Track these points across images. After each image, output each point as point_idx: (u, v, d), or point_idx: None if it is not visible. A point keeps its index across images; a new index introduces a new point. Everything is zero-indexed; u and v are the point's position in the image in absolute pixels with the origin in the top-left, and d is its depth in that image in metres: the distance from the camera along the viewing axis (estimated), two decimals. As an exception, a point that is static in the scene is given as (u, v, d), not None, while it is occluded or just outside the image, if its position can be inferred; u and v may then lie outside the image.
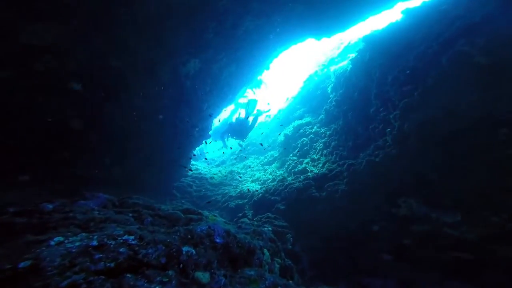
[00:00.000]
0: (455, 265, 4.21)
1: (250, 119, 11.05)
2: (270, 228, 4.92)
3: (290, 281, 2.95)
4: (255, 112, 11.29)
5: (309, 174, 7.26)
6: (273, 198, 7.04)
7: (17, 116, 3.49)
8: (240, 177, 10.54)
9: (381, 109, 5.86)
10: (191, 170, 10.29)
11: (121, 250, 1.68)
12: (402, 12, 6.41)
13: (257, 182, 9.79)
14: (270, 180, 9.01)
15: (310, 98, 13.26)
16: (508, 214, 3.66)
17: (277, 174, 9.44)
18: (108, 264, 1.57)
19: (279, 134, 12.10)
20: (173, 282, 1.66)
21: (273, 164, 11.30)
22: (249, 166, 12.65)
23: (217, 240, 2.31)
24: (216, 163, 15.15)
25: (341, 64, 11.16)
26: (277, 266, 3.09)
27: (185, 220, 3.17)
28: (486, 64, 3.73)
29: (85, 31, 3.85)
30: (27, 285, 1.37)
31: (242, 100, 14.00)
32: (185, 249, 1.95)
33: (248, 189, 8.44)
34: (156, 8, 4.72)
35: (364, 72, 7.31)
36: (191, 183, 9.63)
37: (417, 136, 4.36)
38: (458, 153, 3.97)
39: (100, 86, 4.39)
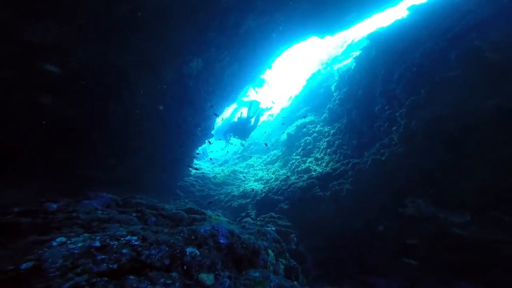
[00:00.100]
0: (463, 265, 4.13)
1: (252, 120, 11.02)
2: (273, 228, 4.87)
3: (295, 282, 2.90)
4: (256, 113, 11.24)
5: (312, 173, 7.19)
6: (276, 197, 6.99)
7: (18, 115, 3.49)
8: (245, 177, 10.49)
9: (387, 107, 5.77)
10: (197, 169, 10.29)
11: (124, 251, 1.65)
12: (408, 9, 6.31)
13: (260, 182, 9.74)
14: (273, 180, 8.96)
15: (313, 97, 13.16)
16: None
17: (280, 173, 9.39)
18: (111, 266, 1.53)
19: (282, 133, 12.03)
20: (177, 284, 1.62)
21: (276, 163, 11.24)
22: (252, 166, 12.61)
23: (221, 241, 2.27)
24: (219, 162, 15.14)
25: (344, 63, 11.05)
26: (282, 267, 3.04)
27: (188, 220, 3.14)
28: (498, 60, 3.62)
29: (87, 30, 3.83)
30: (29, 287, 1.35)
31: (245, 99, 13.95)
32: (189, 250, 1.91)
33: (253, 189, 8.39)
34: (159, 6, 4.69)
35: (368, 70, 7.20)
36: (194, 182, 9.62)
37: (425, 134, 4.27)
38: (467, 151, 3.87)
39: (103, 85, 4.37)
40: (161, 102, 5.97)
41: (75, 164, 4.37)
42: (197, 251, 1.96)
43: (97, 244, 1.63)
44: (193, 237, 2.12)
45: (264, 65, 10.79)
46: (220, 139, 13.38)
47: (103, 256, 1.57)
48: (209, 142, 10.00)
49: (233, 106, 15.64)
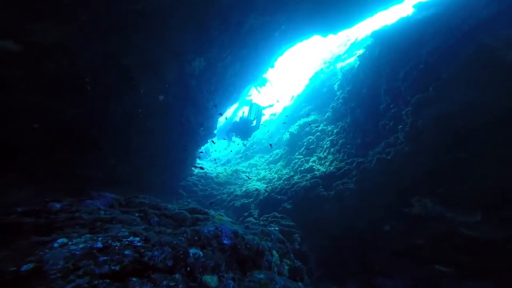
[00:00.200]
0: (470, 265, 4.04)
1: (254, 121, 10.98)
2: (277, 228, 4.83)
3: (300, 283, 2.85)
4: (257, 113, 11.19)
5: (316, 172, 7.12)
6: (279, 197, 6.93)
7: (19, 115, 3.49)
8: (249, 177, 10.46)
9: (392, 105, 5.68)
10: (202, 169, 10.28)
11: (126, 252, 1.62)
12: (414, 6, 6.21)
13: (262, 181, 9.70)
14: (276, 179, 8.91)
15: (316, 96, 13.06)
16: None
17: (283, 173, 9.33)
18: (113, 267, 1.50)
19: (287, 131, 11.97)
20: (180, 286, 1.59)
21: (279, 163, 11.18)
22: (255, 165, 12.57)
23: (225, 242, 2.23)
24: (222, 162, 15.13)
25: (348, 61, 10.94)
26: (286, 267, 3.00)
27: (191, 220, 3.10)
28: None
29: (88, 30, 3.81)
30: (30, 289, 1.32)
31: (247, 98, 13.90)
32: (192, 251, 1.88)
33: (257, 189, 8.35)
34: (160, 5, 4.66)
35: (372, 68, 7.10)
36: (196, 182, 9.61)
37: (431, 132, 4.18)
38: (476, 150, 3.78)
39: (104, 85, 4.36)
40: (164, 100, 5.95)
41: (77, 164, 4.36)
42: (200, 252, 1.92)
43: (99, 245, 1.60)
44: (196, 238, 2.08)
45: (267, 64, 10.73)
46: (224, 139, 13.37)
47: (105, 258, 1.53)
48: (213, 141, 9.98)
49: (235, 106, 15.59)
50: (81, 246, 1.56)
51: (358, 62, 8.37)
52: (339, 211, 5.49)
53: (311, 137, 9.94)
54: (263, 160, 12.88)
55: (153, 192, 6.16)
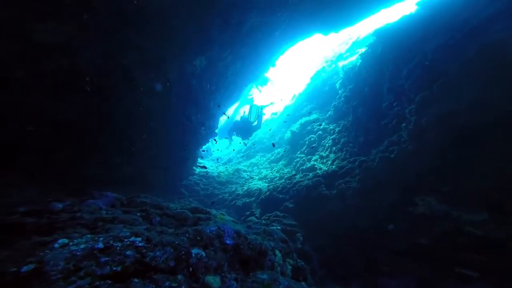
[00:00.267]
0: (476, 264, 3.99)
1: (255, 122, 10.94)
2: (279, 227, 4.80)
3: (303, 283, 2.83)
4: (258, 113, 11.15)
5: (318, 171, 7.08)
6: (281, 196, 6.90)
7: (20, 115, 3.48)
8: (252, 177, 10.44)
9: (395, 103, 5.62)
10: (205, 168, 10.28)
11: (127, 253, 1.59)
12: (417, 4, 6.13)
13: (264, 180, 9.67)
14: (277, 178, 8.88)
15: (317, 95, 13.00)
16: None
17: (285, 172, 9.30)
18: (115, 268, 1.48)
19: (288, 130, 11.93)
20: (183, 287, 1.56)
21: (280, 162, 11.15)
22: (256, 164, 12.54)
23: (227, 242, 2.21)
24: (223, 161, 15.12)
25: (350, 60, 10.87)
26: (289, 267, 2.97)
27: (193, 219, 3.08)
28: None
29: (88, 30, 3.79)
30: (31, 290, 1.30)
31: (249, 97, 13.85)
32: (194, 251, 1.85)
33: (259, 188, 8.33)
34: (161, 5, 4.63)
35: (375, 66, 7.04)
36: (198, 181, 9.61)
37: (436, 130, 4.13)
38: (482, 148, 3.72)
39: (106, 85, 4.34)
40: (166, 100, 5.93)
41: (79, 164, 4.36)
42: (203, 253, 1.90)
43: (100, 245, 1.58)
44: (198, 238, 2.06)
45: (268, 63, 10.69)
46: (226, 138, 13.35)
47: (107, 258, 1.51)
48: (215, 140, 9.96)
49: (236, 104, 15.54)
50: (82, 246, 1.54)
51: (360, 61, 8.30)
52: (341, 210, 5.46)
53: (313, 135, 9.89)
54: (264, 159, 12.85)
55: (155, 192, 6.16)
